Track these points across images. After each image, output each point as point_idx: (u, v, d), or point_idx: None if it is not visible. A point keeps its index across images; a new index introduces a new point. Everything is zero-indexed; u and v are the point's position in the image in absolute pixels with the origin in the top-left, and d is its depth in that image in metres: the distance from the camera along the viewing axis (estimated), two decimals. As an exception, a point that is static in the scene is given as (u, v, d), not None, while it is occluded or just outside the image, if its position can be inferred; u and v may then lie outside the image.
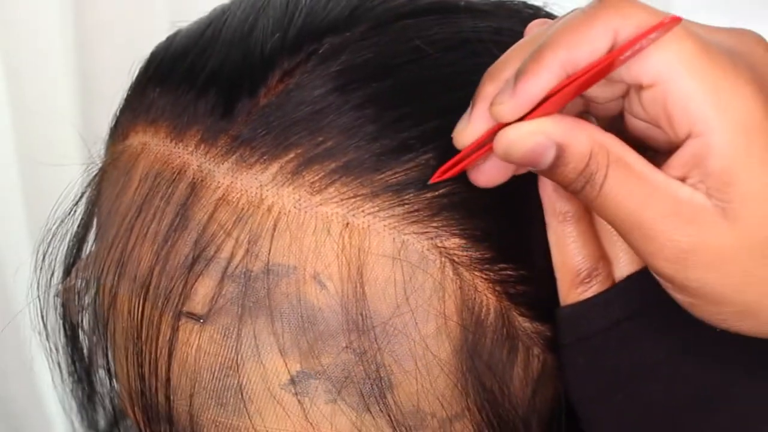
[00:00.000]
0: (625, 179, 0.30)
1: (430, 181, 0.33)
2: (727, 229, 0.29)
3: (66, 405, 0.49)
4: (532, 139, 0.30)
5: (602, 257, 0.35)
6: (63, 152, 0.89)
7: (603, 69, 0.29)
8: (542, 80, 0.29)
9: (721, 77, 0.29)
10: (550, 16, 0.40)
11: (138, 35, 0.82)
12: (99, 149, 0.41)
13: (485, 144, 0.31)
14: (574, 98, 0.30)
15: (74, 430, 0.52)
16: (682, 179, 0.30)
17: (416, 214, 0.33)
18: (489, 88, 0.31)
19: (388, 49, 0.35)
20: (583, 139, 0.30)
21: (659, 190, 0.30)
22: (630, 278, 0.34)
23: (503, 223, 0.35)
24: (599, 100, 0.32)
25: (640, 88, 0.30)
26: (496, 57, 0.33)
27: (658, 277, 0.32)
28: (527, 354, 0.36)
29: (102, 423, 0.49)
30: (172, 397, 0.35)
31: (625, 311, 0.34)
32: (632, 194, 0.30)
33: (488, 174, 0.33)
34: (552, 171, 0.31)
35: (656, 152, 0.32)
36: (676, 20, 0.29)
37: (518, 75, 0.30)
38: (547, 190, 0.34)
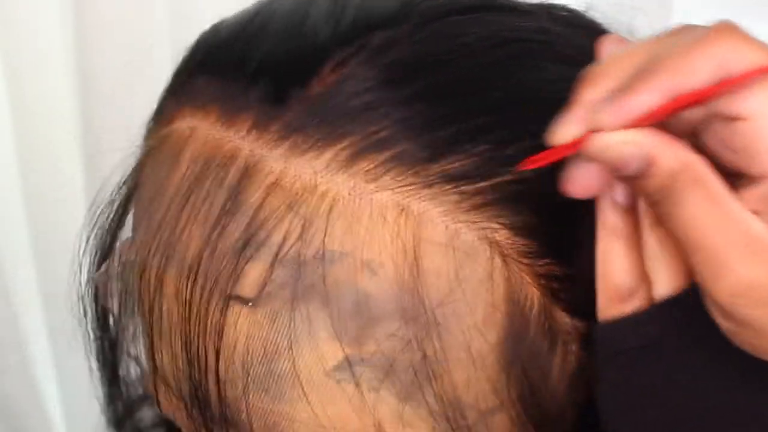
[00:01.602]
0: (703, 202, 0.31)
1: (517, 168, 0.33)
2: None
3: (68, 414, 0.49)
4: (625, 148, 0.31)
5: (644, 278, 0.35)
6: (63, 152, 0.89)
7: (706, 97, 0.30)
8: (645, 100, 0.30)
9: None
10: (592, 22, 0.41)
11: (138, 36, 0.83)
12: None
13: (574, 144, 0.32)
14: (668, 118, 0.31)
15: (74, 430, 0.52)
16: (756, 213, 0.31)
17: (469, 203, 0.34)
18: (587, 94, 0.32)
19: (438, 44, 0.36)
20: (672, 156, 0.31)
21: (734, 220, 0.30)
22: (668, 299, 0.35)
23: (552, 220, 0.35)
24: (683, 115, 0.33)
25: (729, 118, 0.31)
26: (541, 55, 0.34)
27: (707, 302, 0.32)
28: (565, 349, 0.36)
29: (120, 411, 0.50)
30: (218, 381, 0.35)
31: (662, 330, 0.34)
32: (706, 217, 0.31)
33: (583, 185, 0.33)
34: (636, 179, 0.31)
35: (723, 172, 0.32)
36: None
37: (625, 90, 0.31)
38: (602, 203, 0.35)
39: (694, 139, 0.33)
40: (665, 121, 0.31)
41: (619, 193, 0.34)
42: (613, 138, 0.31)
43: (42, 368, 0.94)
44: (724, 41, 0.30)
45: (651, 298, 0.35)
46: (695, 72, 0.30)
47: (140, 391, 0.48)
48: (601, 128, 0.31)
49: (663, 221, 0.32)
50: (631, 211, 0.34)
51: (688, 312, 0.33)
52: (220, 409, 0.35)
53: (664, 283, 0.35)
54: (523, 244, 0.34)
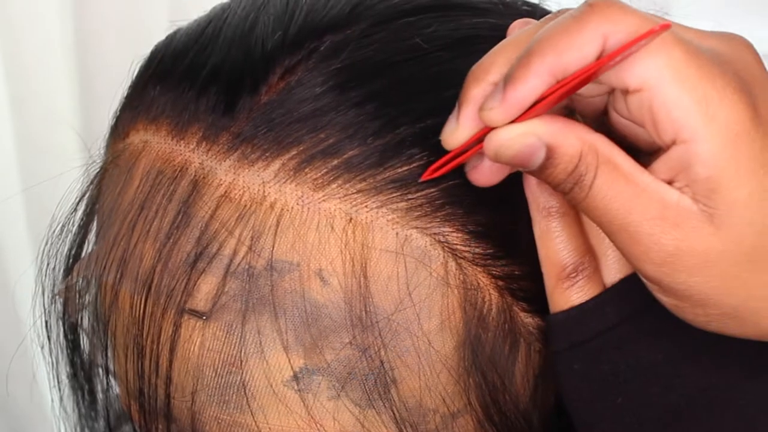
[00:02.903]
0: (614, 181, 0.30)
1: (421, 179, 0.33)
2: (712, 234, 0.30)
3: (66, 418, 0.49)
4: (522, 140, 0.30)
5: (588, 252, 0.35)
6: (63, 152, 0.89)
7: (590, 75, 0.29)
8: (532, 86, 0.29)
9: (708, 85, 0.29)
10: (547, 13, 0.40)
11: (138, 36, 0.82)
12: (99, 149, 0.41)
13: (475, 144, 0.32)
14: (561, 101, 0.31)
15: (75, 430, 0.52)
16: (669, 182, 0.30)
17: (419, 209, 0.33)
18: (474, 90, 0.31)
19: (389, 46, 0.35)
20: (572, 140, 0.30)
21: (647, 193, 0.30)
22: (622, 281, 0.34)
23: (505, 219, 0.35)
24: (584, 96, 0.32)
25: (626, 92, 0.30)
26: None
27: (644, 280, 0.32)
28: (529, 349, 0.36)
29: (101, 430, 0.49)
30: (172, 395, 0.35)
31: (619, 315, 0.34)
32: (620, 196, 0.30)
33: (486, 174, 0.33)
34: (541, 172, 0.31)
35: (640, 151, 0.32)
36: (665, 27, 0.29)
37: (507, 81, 0.30)
38: (531, 185, 0.34)
39: (608, 120, 0.32)
40: (558, 103, 0.30)
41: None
42: (509, 133, 0.30)
43: (42, 369, 0.94)
44: (602, 14, 0.29)
45: (599, 275, 0.35)
46: (577, 48, 0.29)
47: (119, 407, 0.48)
48: (492, 124, 0.30)
49: (580, 209, 0.32)
50: (558, 198, 0.34)
51: (645, 292, 0.32)
52: (170, 421, 0.35)
53: (613, 259, 0.34)
54: (478, 246, 0.34)
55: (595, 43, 0.29)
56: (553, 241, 0.34)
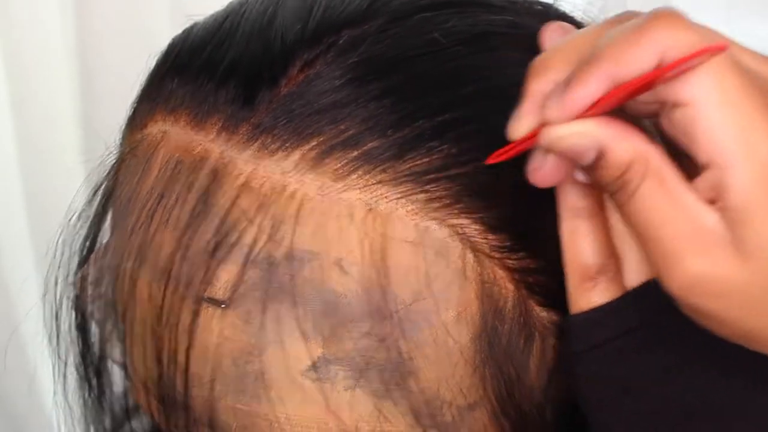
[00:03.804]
0: (656, 193, 0.30)
1: (486, 162, 0.33)
2: (739, 265, 0.30)
3: (68, 414, 0.49)
4: (577, 139, 0.31)
5: (612, 255, 0.35)
6: (63, 153, 0.89)
7: (648, 84, 0.30)
8: (591, 90, 0.30)
9: (754, 116, 0.29)
10: (563, 13, 0.41)
11: (138, 36, 0.83)
12: (107, 145, 0.41)
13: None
14: (616, 106, 0.31)
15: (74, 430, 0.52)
16: (712, 201, 0.30)
17: (438, 201, 0.34)
18: (535, 85, 0.32)
19: (406, 41, 0.36)
20: (625, 147, 0.31)
21: (686, 211, 0.30)
22: (643, 286, 0.34)
23: (523, 213, 0.35)
24: (640, 101, 0.33)
25: (673, 105, 0.30)
26: (511, 50, 0.34)
27: (667, 292, 0.32)
28: (543, 343, 0.36)
29: (108, 425, 0.49)
30: (190, 384, 0.35)
31: (639, 318, 0.34)
32: (659, 208, 0.30)
33: (546, 175, 0.33)
34: (590, 170, 0.31)
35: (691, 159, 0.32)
36: (723, 48, 0.29)
37: (569, 83, 0.31)
38: (562, 184, 0.35)
39: (660, 125, 0.33)
40: (616, 109, 0.31)
41: (579, 172, 0.34)
42: (564, 130, 0.31)
43: (42, 369, 0.94)
44: (663, 28, 0.30)
45: (621, 277, 0.35)
46: (636, 60, 0.30)
47: (129, 402, 0.47)
48: (550, 122, 0.31)
49: (620, 211, 0.32)
50: (592, 189, 0.34)
51: (664, 296, 0.33)
52: (187, 411, 0.35)
53: (635, 261, 0.35)
54: (495, 239, 0.34)
55: (654, 56, 0.29)
56: (579, 241, 0.35)
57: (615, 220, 0.35)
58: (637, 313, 0.34)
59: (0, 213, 0.92)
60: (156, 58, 0.39)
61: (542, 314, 0.36)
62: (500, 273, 0.35)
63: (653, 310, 0.34)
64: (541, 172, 0.33)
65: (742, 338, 0.32)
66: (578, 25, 0.39)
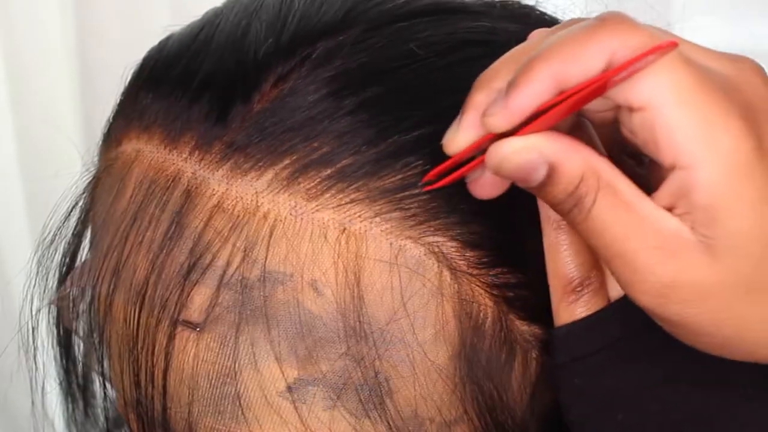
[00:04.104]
0: (613, 207, 0.29)
1: (421, 184, 0.33)
2: (709, 265, 0.29)
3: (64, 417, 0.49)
4: (525, 155, 0.29)
5: (595, 266, 0.34)
6: (63, 153, 0.89)
7: (597, 89, 0.29)
8: (533, 92, 0.29)
9: (712, 111, 0.28)
10: (543, 15, 0.40)
11: (138, 37, 0.82)
12: (94, 155, 0.41)
13: (476, 155, 0.31)
14: (567, 116, 0.30)
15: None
16: (670, 208, 0.29)
17: (413, 219, 0.33)
18: (479, 97, 0.31)
19: (383, 52, 0.35)
20: (576, 161, 0.29)
21: (646, 221, 0.29)
22: (625, 298, 0.34)
23: (500, 227, 0.35)
24: (593, 110, 0.32)
25: (629, 110, 0.29)
26: (490, 58, 0.32)
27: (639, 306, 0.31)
28: (525, 357, 0.36)
29: None
30: (168, 405, 0.35)
31: (621, 331, 0.34)
32: (618, 222, 0.29)
33: (486, 187, 0.32)
34: (541, 189, 0.30)
35: (652, 162, 0.31)
36: (672, 45, 0.28)
37: (509, 86, 0.29)
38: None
39: (619, 132, 0.32)
40: (563, 118, 0.30)
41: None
42: (512, 146, 0.30)
43: (42, 369, 0.94)
44: (610, 29, 0.28)
45: (605, 289, 0.35)
46: (582, 59, 0.28)
47: (114, 413, 0.47)
48: (494, 130, 0.30)
49: (577, 231, 0.31)
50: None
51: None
52: (166, 430, 0.35)
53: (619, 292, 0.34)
54: (472, 255, 0.34)
55: (600, 57, 0.28)
56: (562, 254, 0.34)
57: None
58: (619, 326, 0.34)
59: (0, 213, 0.92)
60: (131, 71, 0.39)
61: (523, 328, 0.36)
62: (478, 290, 0.34)
63: (635, 323, 0.33)
64: (482, 183, 0.32)
65: (720, 348, 0.31)
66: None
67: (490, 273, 0.34)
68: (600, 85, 0.29)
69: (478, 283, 0.34)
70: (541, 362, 0.36)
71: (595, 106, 0.31)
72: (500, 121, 0.29)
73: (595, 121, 0.32)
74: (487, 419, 0.35)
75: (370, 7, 0.36)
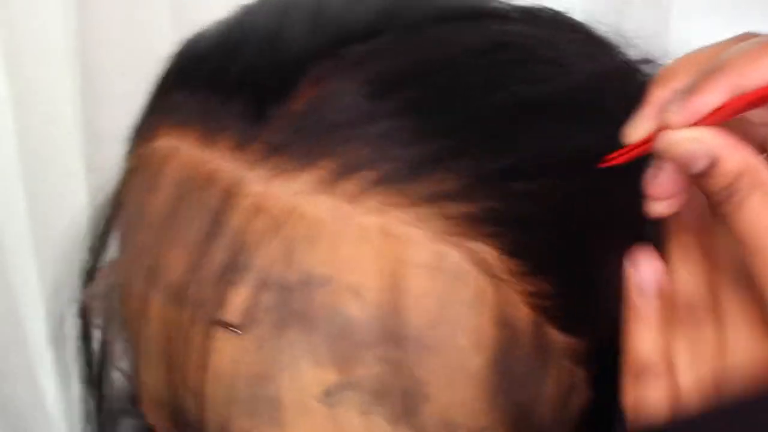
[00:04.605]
0: (763, 204, 0.31)
1: (601, 163, 0.34)
2: None
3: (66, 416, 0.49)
4: (691, 145, 0.32)
5: (667, 351, 0.35)
6: (65, 153, 0.89)
7: (766, 95, 0.31)
8: (713, 99, 0.32)
9: None
10: (571, 20, 0.41)
11: (139, 37, 0.82)
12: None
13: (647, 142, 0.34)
14: (735, 116, 0.32)
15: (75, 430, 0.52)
16: None
17: (455, 223, 0.33)
18: (657, 92, 0.34)
19: (420, 55, 0.35)
20: (736, 157, 0.32)
21: None
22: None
23: (540, 236, 0.34)
24: (753, 122, 0.34)
25: None
26: (525, 61, 0.34)
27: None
28: (558, 367, 0.36)
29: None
30: (202, 406, 0.34)
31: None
32: (766, 219, 0.31)
33: (662, 187, 0.34)
34: (700, 178, 0.32)
35: None
36: None
37: (691, 92, 0.32)
38: (631, 284, 0.36)
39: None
40: (732, 119, 0.32)
41: (645, 280, 0.35)
42: (681, 135, 0.32)
43: (43, 369, 0.94)
44: None
45: (674, 373, 0.35)
46: (758, 73, 0.31)
47: (121, 403, 0.47)
48: (669, 126, 0.32)
49: (726, 221, 0.33)
50: (659, 297, 0.35)
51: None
52: (200, 431, 0.35)
53: (687, 362, 0.35)
54: (512, 263, 0.34)
55: None
56: (639, 341, 0.35)
57: (679, 336, 0.35)
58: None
59: (0, 213, 0.92)
60: (162, 66, 0.39)
61: (558, 338, 0.36)
62: (517, 297, 0.34)
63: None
64: (658, 180, 0.34)
65: None
66: (589, 30, 0.40)
67: (529, 281, 0.34)
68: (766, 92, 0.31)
69: (516, 291, 0.34)
70: (573, 372, 0.37)
71: (758, 117, 0.34)
72: (678, 118, 0.32)
73: (752, 137, 0.34)
74: (519, 427, 0.35)
75: (407, 9, 0.37)
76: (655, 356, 0.35)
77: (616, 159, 0.34)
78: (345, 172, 0.33)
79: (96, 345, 0.43)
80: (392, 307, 0.33)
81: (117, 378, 0.45)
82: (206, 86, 0.35)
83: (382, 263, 0.33)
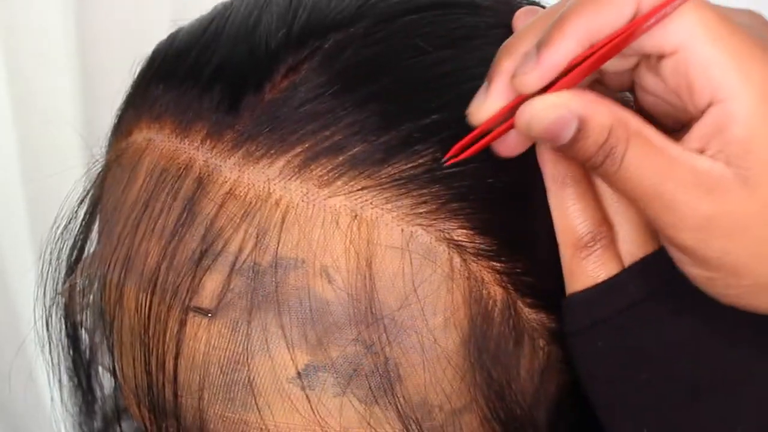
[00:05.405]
0: (645, 152, 0.30)
1: (445, 157, 0.33)
2: (747, 196, 0.30)
3: (65, 417, 0.49)
4: (555, 111, 0.30)
5: (604, 222, 0.35)
6: (65, 153, 0.89)
7: (625, 38, 0.30)
8: (567, 47, 0.30)
9: (741, 45, 0.30)
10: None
11: (139, 36, 0.82)
12: (101, 148, 0.41)
13: (502, 122, 0.32)
14: (595, 70, 0.31)
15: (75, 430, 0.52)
16: (700, 151, 0.30)
17: (424, 205, 0.33)
18: (506, 63, 0.32)
19: (392, 45, 0.35)
20: (604, 113, 0.30)
21: (679, 162, 0.30)
22: (646, 258, 0.35)
23: (509, 214, 0.35)
24: (611, 72, 0.32)
25: (660, 57, 0.30)
26: (494, 51, 0.33)
27: (675, 253, 0.32)
28: (533, 345, 0.36)
29: (98, 428, 0.49)
30: (179, 392, 0.35)
31: (644, 291, 0.34)
32: (652, 167, 0.30)
33: (510, 145, 0.33)
34: (572, 145, 0.31)
35: (667, 129, 0.32)
36: None
37: (541, 44, 0.30)
38: (544, 155, 0.35)
39: (634, 100, 0.33)
40: (591, 73, 0.31)
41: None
42: (541, 104, 0.30)
43: (40, 369, 0.94)
44: None
45: (615, 245, 0.35)
46: (612, 10, 0.30)
47: (118, 404, 0.48)
48: (524, 91, 0.31)
49: (611, 183, 0.32)
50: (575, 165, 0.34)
51: (667, 270, 0.33)
52: (177, 419, 0.35)
53: (629, 232, 0.35)
54: (482, 242, 0.34)
55: (629, 5, 0.29)
56: (569, 209, 0.35)
57: (603, 187, 0.35)
58: (641, 287, 0.34)
59: (0, 213, 0.92)
60: (140, 64, 0.39)
61: (531, 316, 0.36)
62: (488, 276, 0.34)
63: (656, 284, 0.34)
64: (506, 141, 0.33)
65: (761, 289, 0.31)
66: None
67: (500, 260, 0.35)
68: (629, 35, 0.30)
69: (487, 270, 0.34)
70: (548, 351, 0.37)
71: (614, 66, 0.32)
72: (533, 79, 0.30)
73: (612, 87, 0.33)
74: (496, 406, 0.36)
75: (379, 1, 0.37)
76: (589, 222, 0.34)
77: (470, 150, 0.32)
78: (316, 157, 0.33)
79: (83, 345, 0.44)
80: (363, 288, 0.33)
81: (109, 378, 0.45)
82: (183, 80, 0.36)
83: (352, 245, 0.33)
